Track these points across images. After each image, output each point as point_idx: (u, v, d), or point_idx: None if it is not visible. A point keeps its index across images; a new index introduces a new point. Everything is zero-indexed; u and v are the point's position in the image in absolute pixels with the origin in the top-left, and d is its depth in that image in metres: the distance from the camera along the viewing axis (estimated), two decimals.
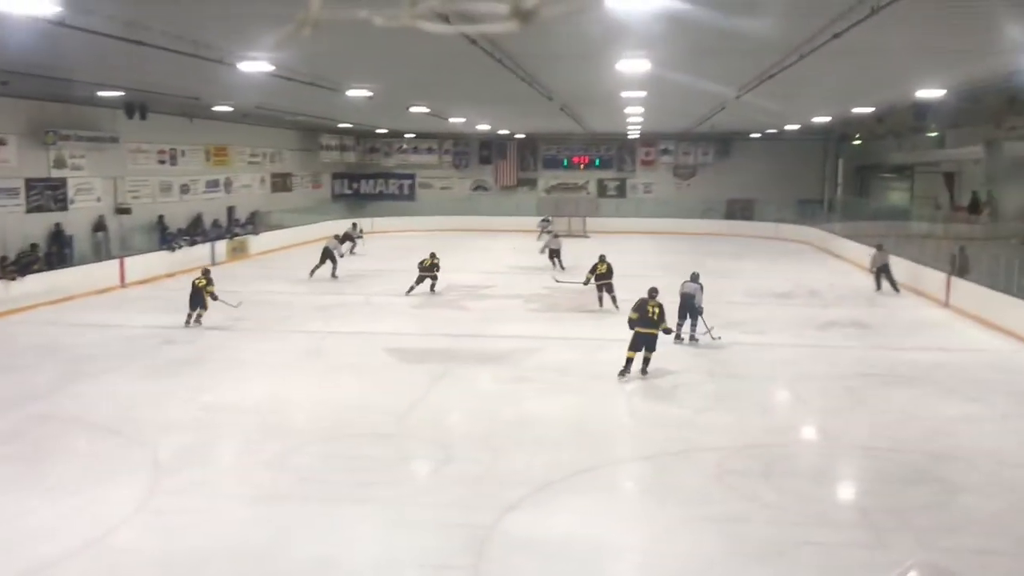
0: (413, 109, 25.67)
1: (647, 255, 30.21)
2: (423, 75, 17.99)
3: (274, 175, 36.01)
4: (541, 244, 28.38)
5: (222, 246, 28.08)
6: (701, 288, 15.72)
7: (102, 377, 13.37)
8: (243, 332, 16.84)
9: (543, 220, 36.25)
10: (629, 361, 13.46)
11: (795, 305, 19.78)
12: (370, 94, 20.50)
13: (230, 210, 31.59)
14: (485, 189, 43.88)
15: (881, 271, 22.33)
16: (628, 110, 26.01)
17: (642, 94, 20.73)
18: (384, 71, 17.37)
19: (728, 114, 26.17)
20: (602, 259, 19.92)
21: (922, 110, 23.66)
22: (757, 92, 18.68)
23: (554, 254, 26.77)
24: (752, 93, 18.99)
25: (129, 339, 16.10)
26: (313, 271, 24.37)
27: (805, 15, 10.98)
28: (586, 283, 19.95)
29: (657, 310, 13.49)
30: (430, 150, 43.56)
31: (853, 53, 13.11)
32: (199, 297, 17.48)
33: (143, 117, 23.75)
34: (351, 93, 19.99)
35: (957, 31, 12.17)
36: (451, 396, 12.53)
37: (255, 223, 32.09)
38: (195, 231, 27.93)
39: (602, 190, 43.23)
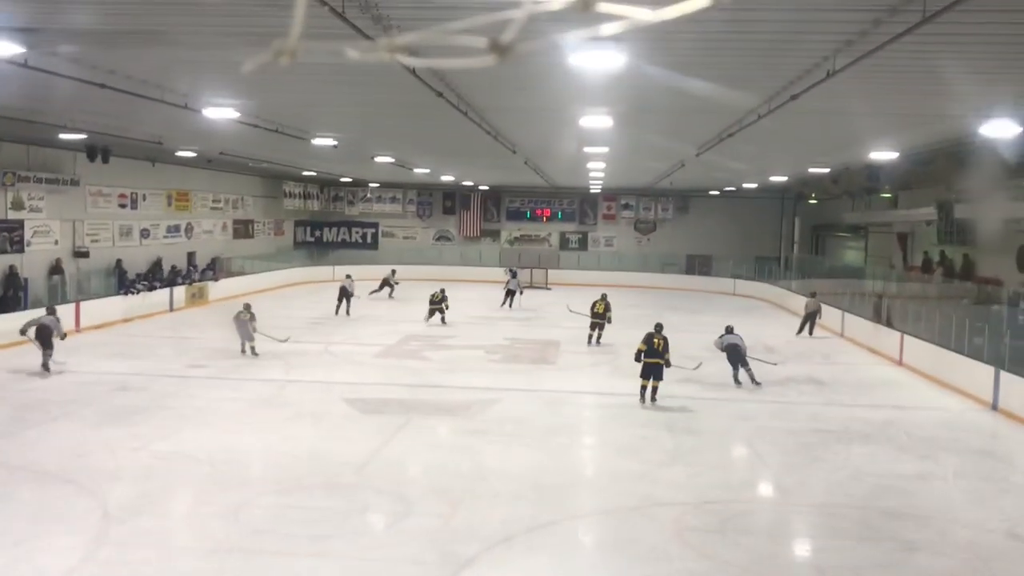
0: (378, 159, 25.77)
1: None
2: (389, 126, 18.11)
3: (236, 221, 35.82)
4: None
5: (181, 292, 27.74)
6: (741, 338, 17.29)
7: (52, 424, 13.02)
8: (199, 379, 16.56)
9: (510, 270, 36.57)
10: (643, 388, 15.08)
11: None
12: (335, 143, 20.56)
13: (190, 255, 31.30)
14: (448, 239, 43.99)
15: (809, 317, 24.80)
16: (590, 165, 26.37)
17: (604, 150, 21.02)
18: (350, 120, 17.47)
19: (688, 171, 26.60)
20: (603, 297, 21.98)
21: (875, 172, 24.28)
22: (716, 151, 19.02)
23: (510, 294, 29.80)
24: (711, 151, 19.33)
25: (82, 385, 15.75)
26: (337, 310, 26.72)
27: (764, 77, 11.24)
28: (591, 317, 21.74)
29: (662, 343, 15.03)
30: (394, 199, 43.68)
31: (809, 115, 13.43)
32: (245, 329, 18.85)
33: (105, 160, 23.56)
34: (317, 142, 20.04)
35: (911, 97, 12.54)
36: (410, 448, 12.38)
37: (215, 269, 31.80)
38: (154, 276, 27.58)
39: (564, 243, 43.58)
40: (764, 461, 12.36)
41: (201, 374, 17.02)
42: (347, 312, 26.63)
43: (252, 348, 18.95)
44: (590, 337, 21.54)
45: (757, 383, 16.86)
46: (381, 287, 31.22)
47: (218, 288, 30.10)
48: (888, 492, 10.77)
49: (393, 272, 32.45)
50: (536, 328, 24.97)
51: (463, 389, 16.20)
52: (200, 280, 29.73)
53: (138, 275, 26.73)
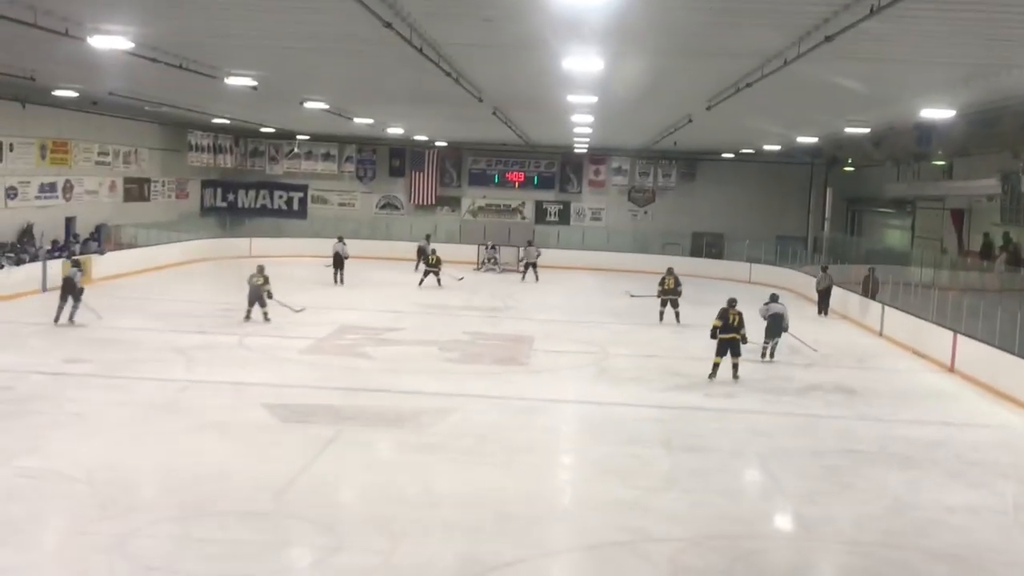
0: (308, 105, 25.61)
1: (592, 296, 30.57)
2: (324, 63, 17.97)
3: (128, 180, 35.50)
4: (521, 258, 35.94)
5: (56, 267, 27.43)
6: (786, 308, 20.39)
7: None
8: (79, 378, 16.43)
9: (491, 247, 38.24)
10: (716, 366, 17.84)
11: (770, 364, 20.13)
12: (255, 83, 20.39)
13: (69, 222, 30.98)
14: (396, 208, 43.89)
15: (823, 295, 27.99)
16: (575, 118, 26.34)
17: (592, 99, 21.02)
18: (274, 56, 17.29)
19: (696, 128, 26.67)
20: (670, 271, 25.31)
21: (927, 133, 24.43)
22: (731, 103, 19.09)
23: (530, 266, 34.33)
24: (725, 104, 19.40)
25: None
26: (335, 278, 31.08)
27: (791, 12, 11.26)
28: (658, 295, 25.11)
29: (737, 318, 17.84)
30: (328, 156, 43.43)
31: (847, 60, 13.49)
32: (256, 294, 22.22)
33: None
34: (232, 81, 19.85)
35: (974, 41, 12.59)
36: (343, 467, 12.38)
37: (100, 239, 31.47)
38: (23, 246, 27.25)
39: (541, 215, 43.68)
40: (781, 488, 12.48)
41: (81, 371, 16.88)
42: (341, 280, 30.94)
43: (264, 314, 22.35)
44: (662, 315, 24.87)
45: (770, 358, 19.89)
46: (424, 259, 32.74)
47: (104, 263, 29.75)
48: (933, 528, 10.92)
49: (428, 238, 35.94)
50: (504, 321, 25.02)
51: (410, 395, 16.18)
52: (81, 253, 29.39)
53: (2, 245, 26.40)
